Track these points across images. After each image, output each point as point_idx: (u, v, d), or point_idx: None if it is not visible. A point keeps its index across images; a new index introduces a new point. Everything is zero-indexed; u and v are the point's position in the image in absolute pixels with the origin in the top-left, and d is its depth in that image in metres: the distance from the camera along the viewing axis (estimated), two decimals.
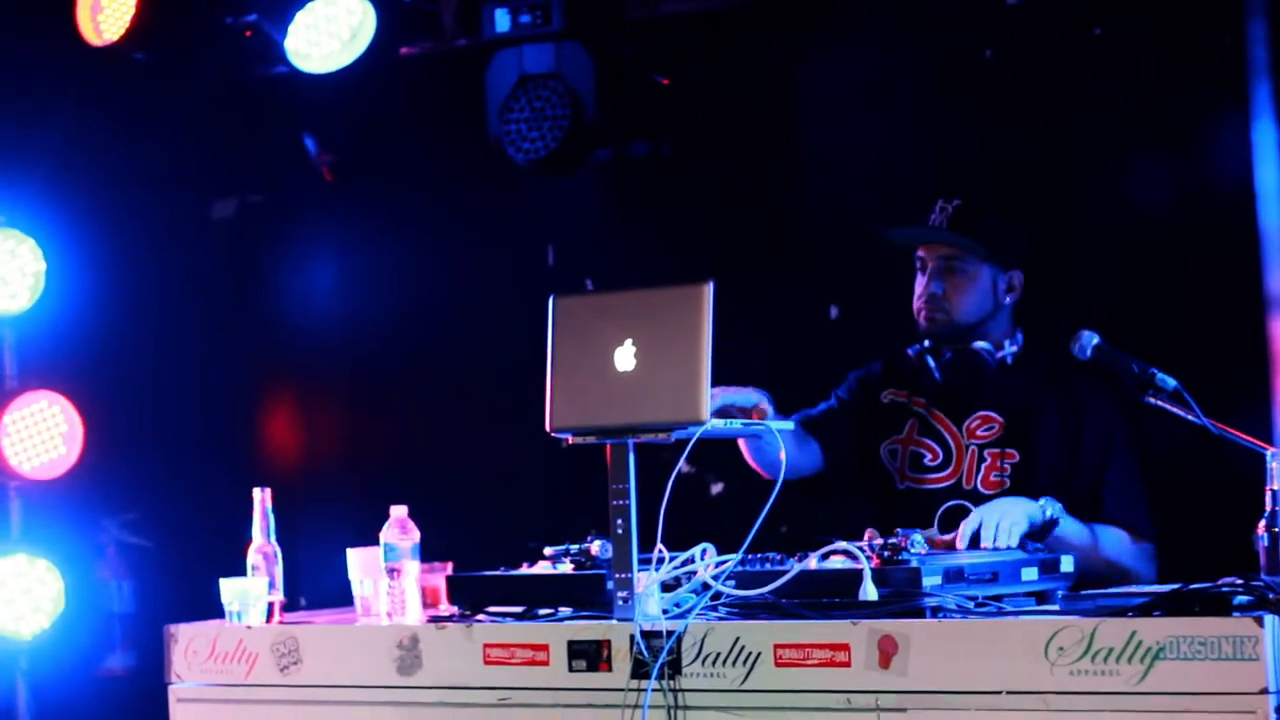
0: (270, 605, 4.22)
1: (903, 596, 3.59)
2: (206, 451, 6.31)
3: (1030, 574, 3.85)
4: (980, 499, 4.37)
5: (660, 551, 3.77)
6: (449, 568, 4.21)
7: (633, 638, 3.69)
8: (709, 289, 3.67)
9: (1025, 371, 4.52)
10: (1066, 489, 4.33)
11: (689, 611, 3.70)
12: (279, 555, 4.25)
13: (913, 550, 3.72)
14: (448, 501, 5.69)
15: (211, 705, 4.19)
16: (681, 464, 3.66)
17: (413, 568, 4.10)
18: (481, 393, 6.06)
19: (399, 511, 4.11)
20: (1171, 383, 4.03)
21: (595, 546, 3.95)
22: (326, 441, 6.42)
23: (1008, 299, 4.54)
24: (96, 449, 6.34)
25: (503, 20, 5.76)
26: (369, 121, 6.14)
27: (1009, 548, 4.01)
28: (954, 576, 3.68)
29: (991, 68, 5.40)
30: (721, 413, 3.90)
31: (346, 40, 5.80)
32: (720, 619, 3.71)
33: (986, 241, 4.49)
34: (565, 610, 3.91)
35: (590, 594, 3.86)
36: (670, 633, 3.67)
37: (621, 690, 3.70)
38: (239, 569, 4.25)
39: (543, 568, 4.03)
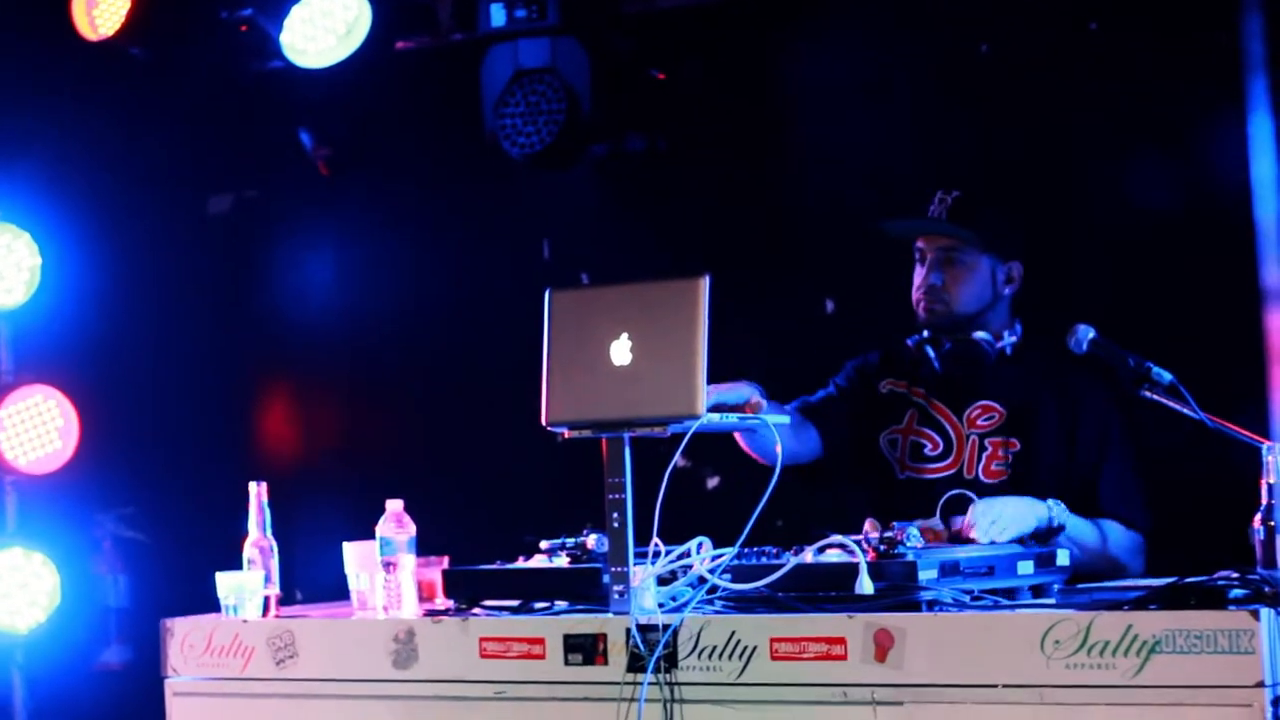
0: (266, 599, 4.22)
1: (899, 590, 3.60)
2: (202, 446, 6.31)
3: (1026, 568, 3.86)
4: (981, 488, 4.38)
5: (656, 545, 3.77)
6: (445, 561, 4.21)
7: (629, 631, 3.70)
8: (704, 283, 3.67)
9: (1024, 362, 4.53)
10: (1065, 481, 4.34)
11: (685, 605, 3.71)
12: (275, 549, 4.25)
13: (909, 544, 3.73)
14: (443, 495, 5.69)
15: (208, 699, 4.20)
16: (677, 458, 3.66)
17: (409, 561, 4.10)
18: (477, 387, 6.06)
19: (395, 505, 4.11)
20: (1167, 377, 4.04)
21: (591, 540, 3.95)
22: (322, 435, 6.42)
23: (1006, 290, 4.54)
24: (92, 443, 6.34)
25: (498, 15, 5.76)
26: (365, 116, 6.14)
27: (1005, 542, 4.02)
28: (950, 570, 3.68)
29: (987, 63, 5.40)
30: (714, 410, 3.89)
31: (342, 35, 5.80)
32: (716, 613, 3.71)
33: (985, 232, 4.49)
34: (561, 604, 3.92)
35: (586, 588, 3.87)
36: (666, 626, 3.67)
37: (617, 684, 3.71)
38: (235, 563, 4.25)
39: (539, 561, 4.03)
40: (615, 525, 3.73)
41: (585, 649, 3.76)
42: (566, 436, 3.83)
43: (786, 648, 3.59)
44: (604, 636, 3.74)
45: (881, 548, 3.69)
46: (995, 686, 3.43)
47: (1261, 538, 3.60)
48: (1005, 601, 3.71)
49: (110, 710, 6.23)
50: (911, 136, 5.43)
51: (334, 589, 4.36)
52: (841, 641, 3.55)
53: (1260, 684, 3.23)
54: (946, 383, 4.54)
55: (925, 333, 4.55)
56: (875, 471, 4.59)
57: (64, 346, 6.40)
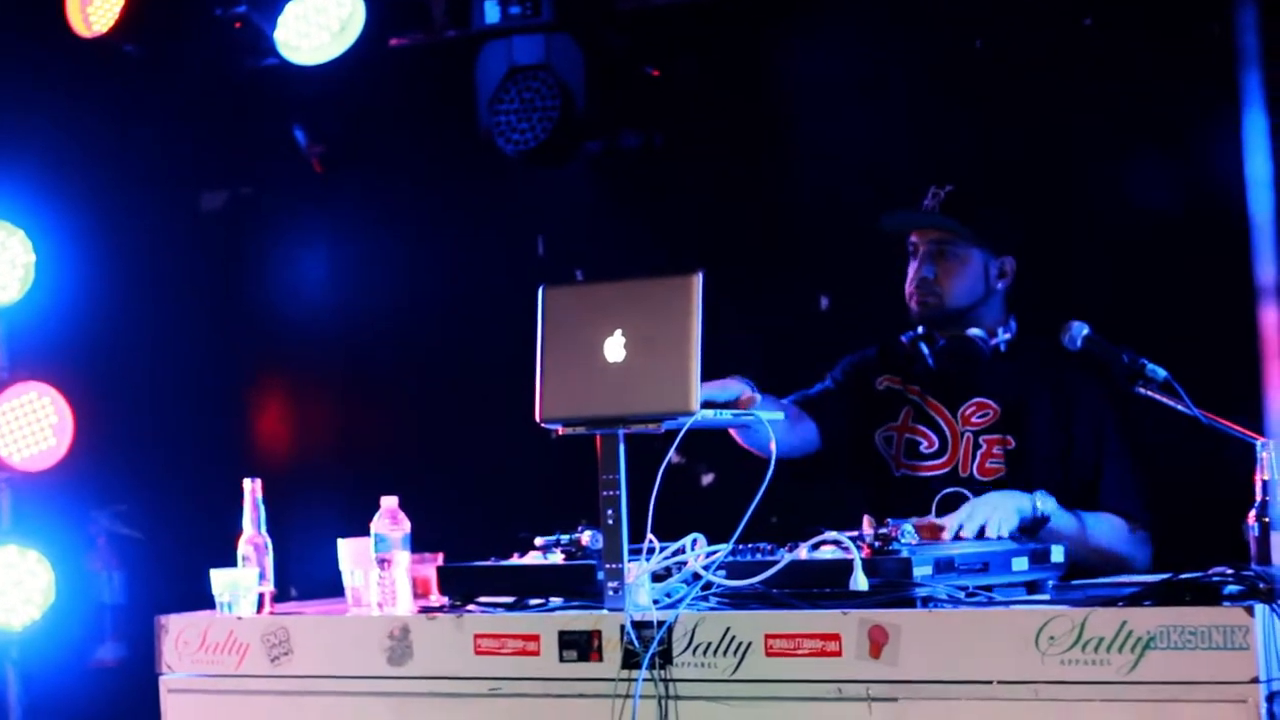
0: (261, 596, 4.23)
1: (893, 586, 3.60)
2: (197, 442, 6.31)
3: (1021, 564, 3.86)
4: (977, 486, 4.38)
5: (651, 542, 3.77)
6: (439, 558, 4.21)
7: (623, 628, 3.69)
8: (698, 279, 3.67)
9: (1019, 359, 4.52)
10: (1061, 478, 4.34)
11: (680, 602, 3.71)
12: (269, 546, 4.25)
13: (903, 540, 3.73)
14: (438, 492, 5.69)
15: (202, 696, 4.19)
16: (671, 454, 3.66)
17: (403, 558, 4.10)
18: (471, 383, 6.06)
19: (389, 502, 4.11)
20: (1162, 373, 4.04)
21: (586, 537, 3.95)
22: (317, 432, 6.42)
23: (999, 284, 4.54)
24: (87, 440, 6.34)
25: (492, 12, 5.76)
26: (359, 113, 6.14)
27: (999, 538, 4.01)
28: (944, 566, 3.68)
29: (982, 59, 5.39)
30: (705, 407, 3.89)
31: (336, 32, 5.79)
32: (711, 609, 3.71)
33: (977, 226, 4.49)
34: (556, 600, 3.91)
35: (581, 584, 3.86)
36: (661, 623, 3.67)
37: (612, 680, 3.71)
38: (230, 560, 4.25)
39: (533, 558, 4.03)
40: (610, 522, 3.73)
41: (580, 646, 3.76)
42: (561, 433, 3.82)
43: (781, 644, 3.59)
44: (599, 633, 3.74)
45: (876, 544, 3.69)
46: (990, 683, 3.43)
47: (1256, 534, 3.60)
48: (1000, 598, 3.71)
49: (105, 707, 6.23)
50: (907, 133, 5.43)
51: (329, 586, 4.35)
52: (836, 638, 3.55)
53: (1255, 680, 3.23)
54: (941, 380, 4.54)
55: (920, 329, 4.56)
56: (871, 469, 4.59)
57: (58, 343, 6.39)
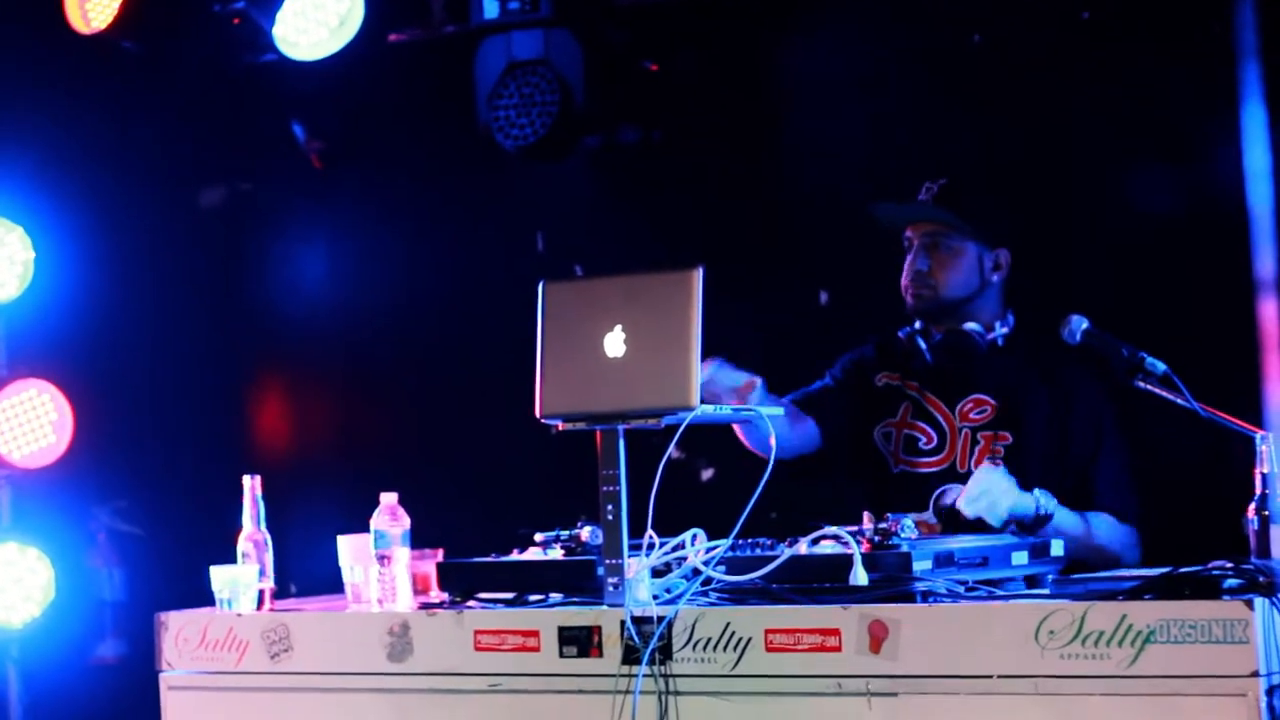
0: (261, 592, 4.22)
1: (893, 581, 3.60)
2: (197, 439, 6.31)
3: (1020, 558, 3.86)
4: None
5: (651, 537, 3.77)
6: (439, 554, 4.21)
7: (623, 623, 3.69)
8: (698, 274, 3.67)
9: (1017, 353, 4.53)
10: (1057, 473, 4.34)
11: (680, 597, 3.71)
12: (269, 542, 4.25)
13: (903, 535, 3.73)
14: (438, 488, 5.69)
15: (202, 693, 4.19)
16: (671, 450, 3.66)
17: (403, 554, 4.10)
18: (471, 379, 6.05)
19: (389, 498, 4.11)
20: (1161, 367, 4.04)
21: (586, 532, 3.95)
22: (316, 429, 6.41)
23: (994, 277, 4.54)
24: (86, 437, 6.34)
25: (491, 7, 5.76)
26: (358, 109, 6.14)
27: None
28: (944, 561, 3.68)
29: (980, 54, 5.39)
30: (709, 384, 3.89)
31: (335, 27, 5.79)
32: (711, 604, 3.71)
33: (970, 217, 4.49)
34: (556, 596, 3.91)
35: (581, 580, 3.86)
36: (661, 618, 3.67)
37: (612, 676, 3.71)
38: (230, 556, 4.25)
39: (533, 554, 4.03)
40: (610, 518, 3.73)
41: (580, 641, 3.76)
42: (560, 429, 3.82)
43: (781, 639, 3.59)
44: (599, 629, 3.74)
45: (876, 539, 3.69)
46: (990, 677, 3.43)
47: (1255, 528, 3.61)
48: (1000, 592, 3.71)
49: (105, 704, 6.23)
50: (906, 128, 5.43)
51: (328, 582, 4.35)
52: (836, 633, 3.55)
53: (1255, 674, 3.23)
54: (939, 375, 4.54)
55: (917, 324, 4.56)
56: (870, 465, 4.59)
57: (57, 340, 6.39)
